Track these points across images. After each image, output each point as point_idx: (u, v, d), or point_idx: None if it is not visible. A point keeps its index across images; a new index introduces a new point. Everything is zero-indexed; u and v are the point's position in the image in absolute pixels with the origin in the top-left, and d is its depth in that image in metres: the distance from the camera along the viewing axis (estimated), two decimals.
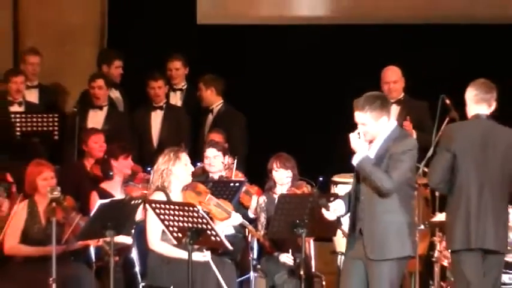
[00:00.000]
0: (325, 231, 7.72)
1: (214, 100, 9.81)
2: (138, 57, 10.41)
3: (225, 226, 7.83)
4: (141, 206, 7.43)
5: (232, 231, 8.00)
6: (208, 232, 6.85)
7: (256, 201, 8.28)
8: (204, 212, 7.22)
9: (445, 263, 8.04)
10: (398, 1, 10.84)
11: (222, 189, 8.11)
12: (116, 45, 10.97)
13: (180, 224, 6.85)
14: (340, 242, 7.97)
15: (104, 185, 8.52)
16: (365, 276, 6.49)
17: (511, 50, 9.93)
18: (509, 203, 7.06)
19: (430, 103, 8.52)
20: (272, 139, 9.20)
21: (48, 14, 11.08)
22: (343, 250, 7.76)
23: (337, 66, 10.07)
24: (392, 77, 9.28)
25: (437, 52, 10.00)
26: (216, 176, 8.56)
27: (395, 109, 9.14)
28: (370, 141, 6.47)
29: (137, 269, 7.87)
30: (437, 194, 8.12)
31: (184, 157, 7.80)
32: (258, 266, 8.10)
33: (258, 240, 8.17)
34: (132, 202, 7.38)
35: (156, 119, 9.83)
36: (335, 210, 6.60)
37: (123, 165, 8.60)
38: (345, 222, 6.86)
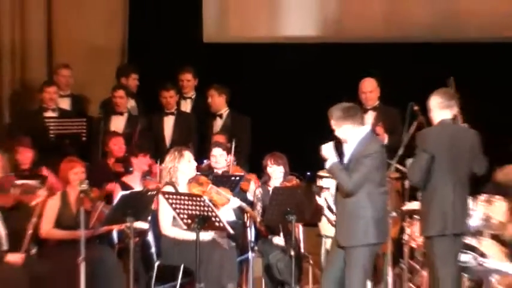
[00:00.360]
0: (311, 218, 7.73)
1: (222, 106, 9.78)
2: (153, 71, 10.40)
3: (227, 210, 7.82)
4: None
5: (233, 217, 7.95)
6: (213, 219, 6.90)
7: (253, 184, 8.31)
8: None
9: (413, 244, 8.06)
10: (375, 24, 10.82)
11: (226, 182, 8.14)
12: (134, 61, 10.97)
13: (189, 212, 6.88)
14: (324, 226, 7.98)
15: (125, 179, 8.51)
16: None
17: (468, 66, 9.99)
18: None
19: (400, 110, 8.46)
20: (267, 140, 9.19)
21: (78, 35, 11.08)
22: (327, 234, 7.82)
23: (323, 79, 10.09)
24: (369, 88, 9.29)
25: (406, 67, 10.03)
26: (220, 172, 8.55)
27: (371, 114, 9.22)
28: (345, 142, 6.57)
29: (153, 250, 7.85)
30: (406, 186, 8.09)
31: (188, 155, 7.80)
32: (255, 248, 8.06)
33: (255, 225, 8.13)
34: (149, 193, 7.41)
35: (169, 123, 9.79)
36: (325, 198, 6.66)
37: (141, 162, 8.60)
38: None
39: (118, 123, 9.80)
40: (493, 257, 7.54)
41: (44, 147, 8.94)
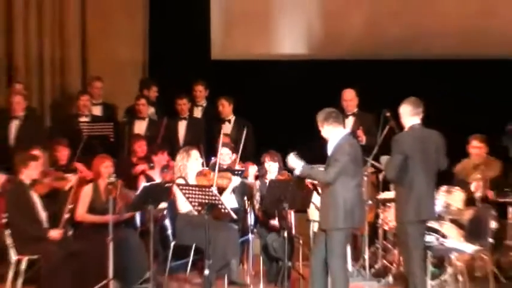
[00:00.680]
0: (301, 205, 7.72)
1: (230, 113, 9.73)
2: (169, 83, 10.33)
3: (230, 199, 7.82)
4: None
5: (236, 205, 7.93)
6: (219, 206, 6.93)
7: (252, 168, 8.29)
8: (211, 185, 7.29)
9: (386, 227, 8.11)
10: (354, 44, 10.78)
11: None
12: (154, 75, 10.95)
13: (200, 200, 6.89)
14: (312, 212, 7.94)
15: (148, 172, 8.59)
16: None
17: (432, 79, 10.04)
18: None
19: (375, 115, 8.48)
20: (265, 141, 9.15)
21: (107, 53, 11.04)
22: (315, 219, 7.81)
23: (311, 90, 10.01)
24: (349, 97, 9.25)
25: (380, 79, 10.03)
26: (225, 167, 8.43)
27: (351, 119, 9.18)
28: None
29: (169, 232, 7.92)
30: (380, 179, 8.18)
31: (194, 154, 7.83)
32: (255, 230, 8.07)
33: (254, 211, 8.13)
34: (166, 185, 7.42)
35: (182, 126, 9.74)
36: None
37: (160, 159, 8.68)
38: None
39: (140, 127, 9.76)
40: (452, 238, 7.58)
41: (78, 146, 8.93)
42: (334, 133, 6.57)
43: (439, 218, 7.66)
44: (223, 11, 11.15)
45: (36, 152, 8.02)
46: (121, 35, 11.10)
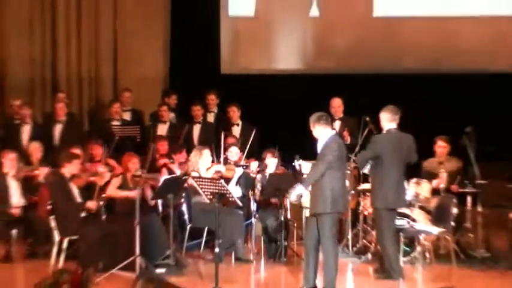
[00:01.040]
0: None
1: (238, 118, 9.70)
2: (186, 93, 10.30)
3: (236, 189, 7.80)
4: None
5: (240, 194, 7.90)
6: (227, 195, 6.86)
7: (254, 163, 8.22)
8: (221, 178, 7.29)
9: (366, 213, 8.10)
10: (341, 60, 10.77)
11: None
12: (174, 86, 10.93)
13: (211, 190, 6.84)
14: (305, 200, 7.77)
15: (170, 166, 8.52)
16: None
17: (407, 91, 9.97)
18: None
19: (357, 120, 8.50)
20: (266, 141, 9.13)
21: (135, 68, 11.05)
22: (306, 205, 7.66)
23: (305, 98, 9.90)
24: (337, 104, 9.22)
25: (362, 89, 9.98)
26: (232, 162, 8.43)
27: (338, 123, 9.15)
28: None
29: (186, 216, 7.92)
30: (361, 173, 8.19)
31: (206, 152, 7.83)
32: (256, 215, 8.03)
33: (255, 199, 8.08)
34: (183, 177, 7.46)
35: (196, 129, 9.72)
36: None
37: (179, 156, 8.63)
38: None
39: (163, 129, 9.73)
40: (420, 221, 7.61)
41: (110, 146, 8.94)
42: (324, 133, 6.52)
43: (410, 205, 7.62)
44: (230, 34, 11.10)
45: (77, 150, 8.06)
46: (146, 53, 11.09)
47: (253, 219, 8.02)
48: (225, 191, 6.78)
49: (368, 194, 7.85)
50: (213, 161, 8.12)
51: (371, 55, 10.49)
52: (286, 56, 10.96)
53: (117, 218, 7.59)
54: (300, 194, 6.50)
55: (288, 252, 7.80)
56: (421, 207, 7.82)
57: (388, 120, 6.96)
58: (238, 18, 11.04)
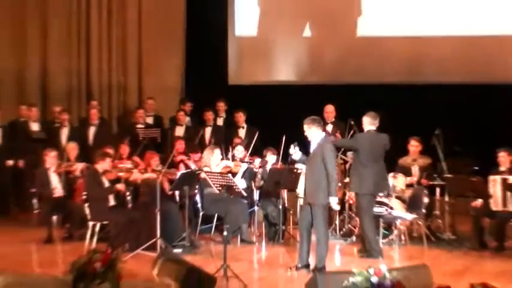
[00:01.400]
0: (291, 186, 7.79)
1: (243, 122, 9.65)
2: (199, 101, 10.27)
3: (242, 181, 7.75)
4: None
5: (245, 185, 7.85)
6: (234, 187, 6.80)
7: (257, 161, 8.13)
8: (229, 172, 7.28)
9: (351, 201, 8.11)
10: (330, 71, 10.69)
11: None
12: (189, 95, 10.90)
13: (220, 183, 6.80)
14: (299, 191, 7.76)
15: (186, 162, 8.50)
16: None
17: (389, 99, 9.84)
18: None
19: (345, 123, 8.49)
20: (267, 141, 9.05)
21: (157, 79, 11.06)
22: (301, 196, 7.60)
23: (300, 105, 9.84)
24: (329, 110, 9.13)
25: (351, 97, 9.83)
26: (238, 159, 8.44)
27: (330, 126, 9.04)
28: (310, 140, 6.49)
29: (199, 205, 7.87)
30: (347, 167, 8.19)
31: (217, 151, 7.81)
32: (259, 204, 8.01)
33: (257, 189, 8.04)
34: (197, 172, 7.46)
35: (208, 131, 9.69)
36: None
37: (194, 155, 8.58)
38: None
39: (180, 131, 9.70)
40: (397, 209, 7.58)
41: (136, 145, 8.93)
42: (317, 134, 6.45)
43: (388, 195, 7.61)
44: (237, 51, 11.05)
45: (109, 150, 8.04)
46: (166, 67, 11.10)
47: (255, 207, 8.00)
48: (232, 183, 6.75)
49: None
50: (222, 158, 8.10)
51: (356, 69, 10.44)
52: (284, 70, 10.94)
53: (141, 206, 7.56)
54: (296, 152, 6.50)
55: (286, 235, 7.81)
56: (398, 197, 7.79)
57: (368, 124, 7.05)
58: (243, 38, 11.04)
